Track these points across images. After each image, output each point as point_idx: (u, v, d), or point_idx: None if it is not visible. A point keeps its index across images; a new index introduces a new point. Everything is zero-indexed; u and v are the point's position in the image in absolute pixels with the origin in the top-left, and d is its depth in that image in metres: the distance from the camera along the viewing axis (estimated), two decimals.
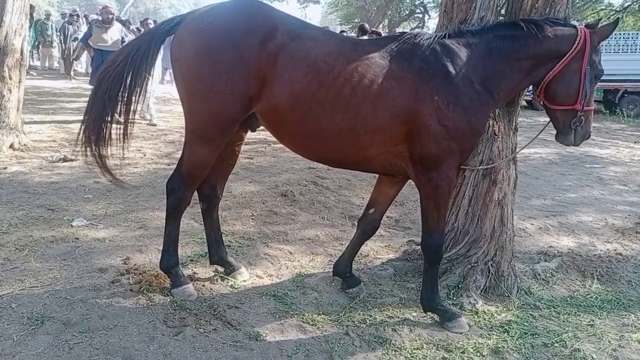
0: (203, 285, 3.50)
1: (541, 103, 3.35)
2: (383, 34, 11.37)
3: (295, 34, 2.97)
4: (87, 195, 5.30)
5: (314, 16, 52.91)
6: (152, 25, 15.21)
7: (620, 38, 19.05)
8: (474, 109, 3.01)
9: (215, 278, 3.62)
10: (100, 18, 10.01)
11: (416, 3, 30.88)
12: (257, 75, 2.90)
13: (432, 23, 31.86)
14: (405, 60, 3.01)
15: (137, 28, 17.82)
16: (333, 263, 3.80)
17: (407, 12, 32.46)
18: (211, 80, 2.90)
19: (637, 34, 19.52)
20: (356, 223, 3.80)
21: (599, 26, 3.17)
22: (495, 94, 3.11)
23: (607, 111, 18.92)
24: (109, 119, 3.17)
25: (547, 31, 3.10)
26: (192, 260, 3.90)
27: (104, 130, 3.19)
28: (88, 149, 3.23)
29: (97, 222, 4.56)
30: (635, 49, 18.58)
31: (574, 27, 3.13)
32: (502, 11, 3.77)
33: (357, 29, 11.00)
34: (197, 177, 3.23)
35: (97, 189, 5.53)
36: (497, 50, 3.09)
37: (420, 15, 32.51)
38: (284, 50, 2.91)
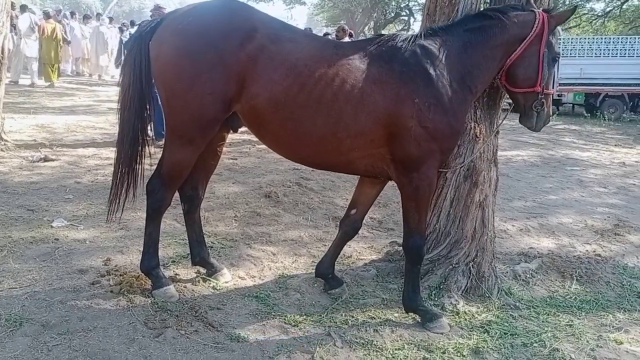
0: (185, 287, 3.48)
1: (503, 86, 3.41)
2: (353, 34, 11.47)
3: (275, 36, 2.97)
4: (67, 195, 5.24)
5: (300, 17, 53.00)
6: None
7: (601, 42, 19.33)
8: (454, 109, 3.04)
9: (197, 279, 3.60)
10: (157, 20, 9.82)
11: (402, 6, 31.05)
12: (237, 76, 2.90)
13: (417, 25, 32.11)
14: (385, 64, 3.04)
15: (123, 24, 17.75)
16: (316, 264, 3.81)
17: (392, 14, 32.62)
18: (191, 80, 2.89)
19: (618, 38, 19.83)
20: (338, 223, 3.81)
21: (556, 11, 3.27)
22: (474, 88, 3.17)
23: (588, 114, 19.19)
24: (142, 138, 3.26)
25: (511, 17, 3.18)
26: (174, 262, 3.87)
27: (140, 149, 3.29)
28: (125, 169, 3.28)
29: (78, 222, 4.51)
30: (617, 54, 18.86)
31: (533, 11, 3.22)
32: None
33: (336, 30, 11.04)
34: (178, 178, 3.21)
35: (78, 189, 5.47)
36: (470, 44, 3.15)
37: (406, 18, 32.70)
38: (263, 52, 2.91)
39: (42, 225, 4.38)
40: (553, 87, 3.38)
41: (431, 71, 3.01)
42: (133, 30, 15.34)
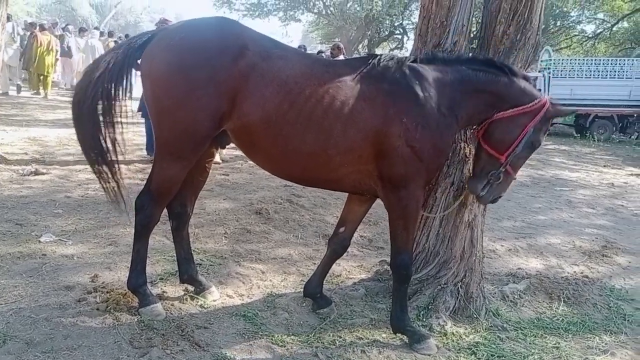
0: (172, 305, 3.46)
1: (477, 138, 3.40)
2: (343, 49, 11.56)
3: (266, 54, 3.00)
4: (57, 210, 5.21)
5: (295, 34, 53.35)
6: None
7: (592, 64, 19.60)
8: (441, 131, 3.08)
9: (184, 297, 3.58)
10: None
11: (395, 24, 31.35)
12: (229, 93, 2.92)
13: (410, 44, 32.40)
14: (376, 82, 3.08)
15: (119, 37, 17.80)
16: (305, 283, 3.80)
17: (386, 32, 32.89)
18: (183, 96, 2.91)
19: (608, 60, 20.11)
20: (327, 242, 3.81)
21: (562, 108, 3.32)
22: (460, 119, 3.20)
23: (578, 135, 19.40)
24: (102, 133, 3.16)
25: (519, 80, 3.22)
26: (162, 279, 3.85)
27: (103, 145, 3.18)
28: (96, 167, 3.22)
29: (66, 237, 4.49)
30: (606, 75, 19.12)
31: (540, 93, 3.26)
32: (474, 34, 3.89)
33: (331, 48, 11.13)
34: (167, 194, 3.21)
35: (68, 203, 5.45)
36: (469, 81, 3.18)
37: (400, 37, 33.02)
38: (254, 69, 2.94)
39: (30, 240, 4.35)
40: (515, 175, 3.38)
41: (420, 93, 3.05)
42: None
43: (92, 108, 3.09)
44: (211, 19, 3.23)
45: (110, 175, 3.25)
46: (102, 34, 20.96)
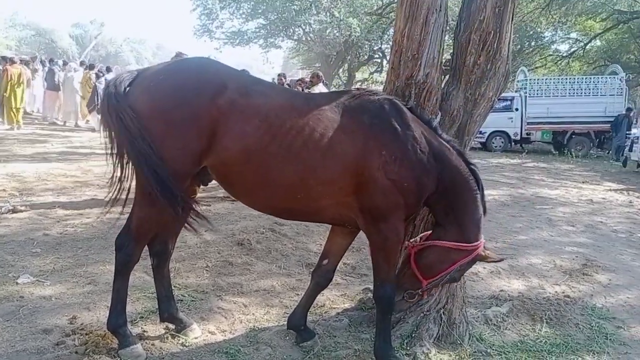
0: (152, 345, 3.41)
1: (409, 252, 3.43)
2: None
3: (245, 90, 3.05)
4: (35, 249, 5.13)
5: (276, 60, 53.81)
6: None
7: (567, 82, 20.10)
8: (421, 165, 3.12)
9: (165, 336, 3.53)
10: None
11: (374, 48, 31.87)
12: (208, 131, 2.96)
13: None
14: (356, 115, 3.13)
15: (99, 70, 17.77)
16: (288, 315, 3.78)
17: (365, 57, 33.42)
18: (161, 137, 2.94)
19: (582, 78, 20.64)
20: (311, 273, 3.81)
21: (490, 255, 3.42)
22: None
23: (557, 152, 19.74)
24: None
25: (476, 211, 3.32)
26: (143, 317, 3.80)
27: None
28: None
29: (44, 278, 4.41)
30: (581, 93, 19.60)
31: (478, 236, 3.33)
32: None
33: (310, 76, 11.25)
34: (147, 234, 3.20)
35: (46, 242, 5.37)
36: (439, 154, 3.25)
37: (379, 60, 33.53)
38: (234, 106, 2.98)
39: (7, 282, 4.27)
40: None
41: (399, 128, 3.11)
42: (109, 76, 15.45)
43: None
44: (192, 60, 3.31)
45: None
46: (82, 63, 20.97)
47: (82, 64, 20.40)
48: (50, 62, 19.62)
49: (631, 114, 18.53)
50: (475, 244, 3.30)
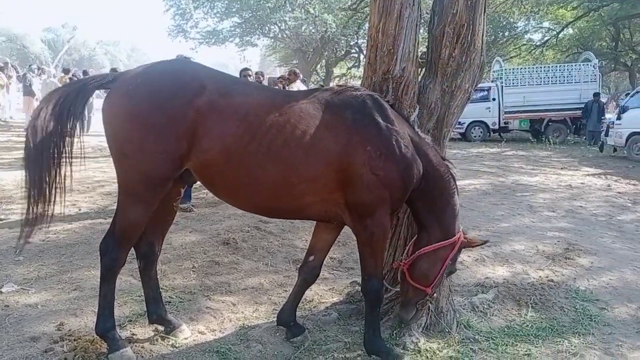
0: (142, 347, 3.39)
1: (403, 271, 3.48)
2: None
3: (224, 90, 3.04)
4: (17, 257, 5.05)
5: (253, 58, 53.56)
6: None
7: (541, 71, 20.38)
8: (405, 160, 3.14)
9: (155, 338, 3.52)
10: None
11: (351, 44, 31.92)
12: (187, 134, 2.94)
13: None
14: (338, 111, 3.14)
15: (74, 75, 17.47)
16: (277, 312, 3.79)
17: (342, 52, 33.46)
18: (140, 141, 2.93)
19: (556, 66, 20.97)
20: (298, 269, 3.82)
21: (474, 240, 3.59)
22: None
23: (534, 140, 20.02)
24: (49, 175, 3.08)
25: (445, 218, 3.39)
26: (131, 321, 3.77)
27: (46, 188, 3.10)
28: (31, 208, 3.09)
29: (29, 286, 4.35)
30: (556, 81, 19.91)
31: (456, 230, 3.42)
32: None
33: (287, 73, 11.20)
34: (131, 237, 3.18)
35: (29, 249, 5.28)
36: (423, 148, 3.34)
37: (356, 55, 33.59)
38: (213, 107, 2.97)
39: None
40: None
41: (382, 123, 3.13)
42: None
43: (45, 144, 3.03)
44: (167, 63, 3.27)
45: (37, 220, 3.11)
46: (67, 71, 20.66)
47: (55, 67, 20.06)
48: (28, 68, 19.31)
49: (600, 99, 18.88)
50: (456, 235, 3.38)
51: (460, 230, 3.45)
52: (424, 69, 3.90)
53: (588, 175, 11.73)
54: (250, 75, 9.47)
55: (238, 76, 10.73)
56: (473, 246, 3.60)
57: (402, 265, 3.46)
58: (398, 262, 3.56)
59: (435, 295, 3.58)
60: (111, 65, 49.01)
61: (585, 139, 19.31)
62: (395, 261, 3.65)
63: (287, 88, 9.54)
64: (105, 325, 3.23)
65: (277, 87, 9.36)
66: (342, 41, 31.34)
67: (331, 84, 32.34)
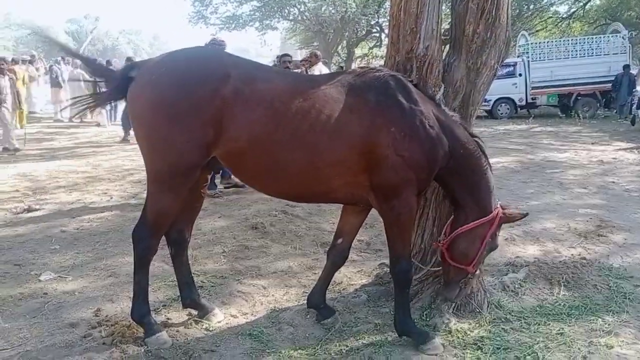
0: (177, 331, 3.47)
1: (441, 253, 3.50)
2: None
3: (248, 78, 3.03)
4: (53, 246, 5.21)
5: (274, 41, 53.22)
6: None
7: (569, 44, 19.81)
8: (430, 140, 3.11)
9: (189, 322, 3.60)
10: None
11: (372, 23, 31.46)
12: (213, 122, 2.95)
13: None
14: (361, 94, 3.12)
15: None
16: (307, 295, 3.83)
17: (363, 32, 33.01)
18: (167, 131, 2.95)
19: (584, 39, 20.34)
20: (326, 252, 3.84)
21: (513, 214, 3.48)
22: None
23: (563, 115, 19.56)
24: None
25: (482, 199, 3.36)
26: (165, 306, 3.86)
27: None
28: None
29: (66, 274, 4.49)
30: (584, 54, 19.33)
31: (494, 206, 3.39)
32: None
33: (309, 56, 11.01)
34: (162, 226, 3.23)
35: (64, 238, 5.45)
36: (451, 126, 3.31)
37: (377, 34, 33.14)
38: (238, 95, 2.97)
39: (30, 280, 4.35)
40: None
41: (406, 103, 3.10)
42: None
43: None
44: (191, 50, 3.27)
45: None
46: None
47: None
48: (56, 61, 19.63)
49: (630, 71, 18.26)
50: (494, 212, 3.35)
51: (499, 205, 3.42)
52: (447, 47, 3.83)
53: (620, 149, 11.43)
54: (290, 62, 9.37)
55: (277, 61, 10.58)
56: (513, 221, 3.57)
57: (441, 245, 3.45)
58: (437, 242, 3.56)
59: (477, 272, 3.58)
60: (134, 54, 49.48)
61: (615, 112, 18.78)
62: (434, 242, 3.66)
63: (308, 71, 9.46)
64: (141, 310, 3.32)
65: (299, 70, 9.26)
66: (363, 21, 30.87)
67: (353, 65, 32.06)
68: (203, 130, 2.95)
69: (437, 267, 3.71)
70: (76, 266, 4.68)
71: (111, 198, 7.23)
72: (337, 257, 3.68)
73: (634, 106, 16.04)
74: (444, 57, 3.75)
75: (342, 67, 26.37)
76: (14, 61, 15.61)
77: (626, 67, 18.10)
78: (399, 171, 3.07)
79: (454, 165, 3.27)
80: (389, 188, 3.12)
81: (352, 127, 3.05)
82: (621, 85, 17.68)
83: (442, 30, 3.67)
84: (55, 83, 17.68)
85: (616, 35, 19.45)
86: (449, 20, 3.88)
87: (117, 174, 8.92)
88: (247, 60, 3.25)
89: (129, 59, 12.83)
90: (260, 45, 34.96)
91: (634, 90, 17.29)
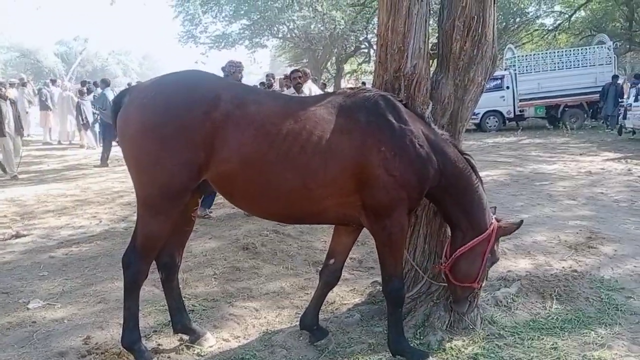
0: (169, 357, 3.43)
1: (444, 274, 3.54)
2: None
3: (239, 101, 3.04)
4: (42, 272, 5.14)
5: (264, 59, 53.45)
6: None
7: (555, 56, 20.05)
8: (420, 159, 3.13)
9: (180, 347, 3.55)
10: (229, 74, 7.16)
11: (360, 39, 31.77)
12: (204, 145, 2.95)
13: None
14: (352, 114, 3.14)
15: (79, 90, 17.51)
16: (300, 316, 3.80)
17: (352, 48, 33.31)
18: (157, 154, 2.94)
19: (570, 51, 20.61)
20: (318, 272, 3.82)
21: (507, 225, 3.51)
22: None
23: (551, 126, 19.73)
24: None
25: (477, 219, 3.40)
26: (156, 331, 3.81)
27: None
28: None
29: (54, 301, 4.43)
30: (570, 65, 19.56)
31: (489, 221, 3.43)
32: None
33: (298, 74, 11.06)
34: (153, 250, 3.21)
35: (53, 264, 5.39)
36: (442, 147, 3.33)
37: (366, 50, 33.43)
38: (229, 118, 2.98)
39: (18, 308, 4.29)
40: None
41: (396, 123, 3.12)
42: (98, 92, 15.27)
43: None
44: (181, 74, 3.28)
45: None
46: (84, 83, 20.91)
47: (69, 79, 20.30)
48: (45, 83, 19.61)
49: (618, 82, 18.51)
50: (489, 227, 3.38)
51: (493, 219, 3.45)
52: (434, 62, 3.87)
53: (607, 160, 11.54)
54: (274, 80, 9.53)
55: (265, 80, 10.74)
56: (510, 232, 3.59)
57: (443, 268, 3.48)
58: (439, 265, 3.59)
59: (484, 284, 3.65)
60: (124, 74, 49.50)
61: (603, 122, 18.98)
62: (436, 265, 3.70)
63: (300, 90, 9.48)
64: (131, 337, 3.27)
65: (285, 88, 9.31)
66: (352, 37, 31.19)
67: (342, 82, 32.29)
68: (194, 153, 2.95)
69: (443, 283, 3.74)
70: (65, 293, 4.62)
71: (100, 222, 7.18)
72: (330, 277, 3.67)
73: (621, 116, 16.23)
74: (431, 74, 3.79)
75: (324, 84, 26.56)
76: (11, 85, 15.55)
77: (615, 77, 18.34)
78: (390, 191, 3.07)
79: (445, 184, 3.28)
80: (381, 208, 3.13)
81: (343, 148, 3.06)
82: (608, 95, 17.90)
83: (430, 45, 3.71)
84: (44, 106, 17.68)
85: (601, 47, 19.74)
86: (436, 34, 3.92)
87: (107, 197, 8.87)
88: (237, 83, 3.27)
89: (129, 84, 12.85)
90: (250, 63, 35.13)
91: (620, 100, 17.51)
